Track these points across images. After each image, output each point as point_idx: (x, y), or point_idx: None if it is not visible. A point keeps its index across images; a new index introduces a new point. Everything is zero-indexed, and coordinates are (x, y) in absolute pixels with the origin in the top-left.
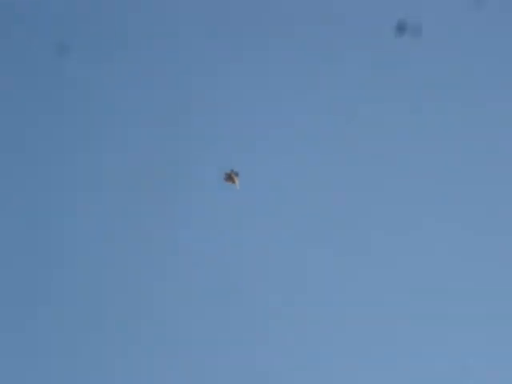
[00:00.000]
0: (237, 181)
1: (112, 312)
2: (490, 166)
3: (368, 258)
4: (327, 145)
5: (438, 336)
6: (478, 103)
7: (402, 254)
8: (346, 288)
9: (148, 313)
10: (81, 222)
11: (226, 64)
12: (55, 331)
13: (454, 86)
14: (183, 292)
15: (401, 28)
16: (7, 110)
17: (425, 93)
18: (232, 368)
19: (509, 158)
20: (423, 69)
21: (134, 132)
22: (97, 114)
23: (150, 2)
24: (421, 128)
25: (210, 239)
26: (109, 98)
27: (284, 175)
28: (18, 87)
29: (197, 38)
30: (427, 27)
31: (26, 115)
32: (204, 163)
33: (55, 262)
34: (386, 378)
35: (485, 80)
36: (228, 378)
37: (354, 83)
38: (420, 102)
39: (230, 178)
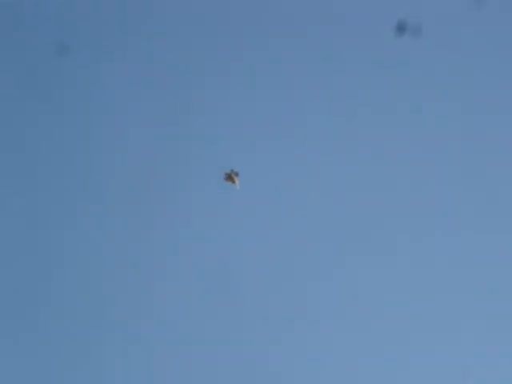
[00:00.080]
0: (237, 181)
1: (112, 311)
2: (489, 165)
3: (370, 258)
4: (327, 144)
5: (444, 347)
6: (478, 103)
7: (404, 254)
8: (348, 288)
9: (148, 312)
10: (80, 221)
11: (226, 64)
12: (55, 330)
13: (453, 85)
14: (183, 292)
15: (401, 28)
16: (7, 109)
17: (425, 93)
18: (232, 368)
19: (509, 157)
20: (423, 69)
21: (134, 132)
22: (97, 114)
23: (150, 2)
24: (421, 128)
25: (210, 238)
26: (109, 98)
27: (284, 175)
28: (17, 87)
29: (197, 37)
30: (427, 27)
31: (25, 115)
32: (203, 163)
33: (55, 261)
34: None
35: (485, 80)
36: (228, 378)
37: (353, 83)
38: (420, 102)
39: (230, 177)
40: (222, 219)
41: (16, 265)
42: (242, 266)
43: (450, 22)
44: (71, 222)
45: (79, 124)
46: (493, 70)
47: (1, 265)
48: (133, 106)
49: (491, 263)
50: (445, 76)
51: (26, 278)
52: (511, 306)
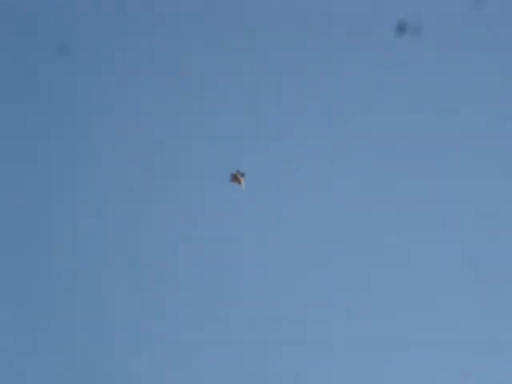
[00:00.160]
0: (243, 181)
1: (112, 311)
2: (489, 165)
3: (370, 259)
4: (327, 144)
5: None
6: (478, 103)
7: (404, 255)
8: (348, 288)
9: (148, 312)
10: (81, 221)
11: (226, 64)
12: (55, 329)
13: (453, 86)
14: (183, 291)
15: (401, 28)
16: (7, 109)
17: (425, 92)
18: (232, 368)
19: (510, 157)
20: (423, 69)
21: (134, 132)
22: (96, 114)
23: (150, 2)
24: (421, 128)
25: (210, 238)
26: (109, 97)
27: (284, 175)
28: (17, 87)
29: (197, 37)
30: (427, 27)
31: (25, 115)
32: (203, 162)
33: (54, 260)
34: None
35: (485, 80)
36: (228, 378)
37: (353, 83)
38: (420, 102)
39: (235, 178)
40: (222, 219)
41: (15, 264)
42: (242, 265)
43: (450, 22)
44: (71, 222)
45: (79, 123)
46: (493, 69)
47: (1, 264)
48: (133, 106)
49: (491, 263)
50: (445, 76)
51: (25, 277)
52: (511, 307)
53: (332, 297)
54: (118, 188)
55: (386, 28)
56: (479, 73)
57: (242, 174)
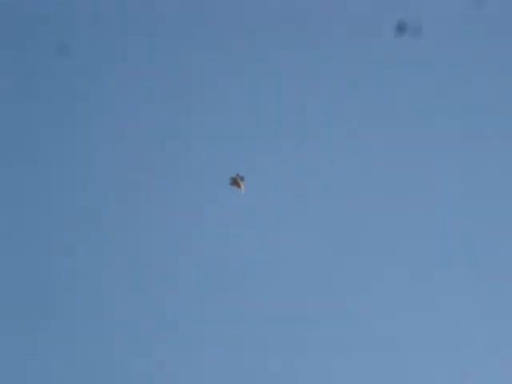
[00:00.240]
0: (242, 185)
1: (112, 311)
2: (489, 165)
3: (370, 259)
4: (327, 144)
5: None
6: (478, 103)
7: (405, 254)
8: (348, 288)
9: (148, 312)
10: (80, 220)
11: (226, 64)
12: (55, 329)
13: (454, 85)
14: (183, 291)
15: (401, 28)
16: (7, 109)
17: (425, 92)
18: (231, 368)
19: (510, 157)
20: (423, 69)
21: (134, 131)
22: (96, 114)
23: (150, 2)
24: (421, 128)
25: (210, 238)
26: (109, 97)
27: (284, 175)
28: (18, 87)
29: (197, 38)
30: (427, 27)
31: (25, 114)
32: (203, 162)
33: (53, 260)
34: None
35: (485, 80)
36: (228, 378)
37: (354, 83)
38: (420, 102)
39: (235, 182)
40: (222, 219)
41: (15, 264)
42: (243, 265)
43: (450, 21)
44: (71, 222)
45: (79, 123)
46: (493, 69)
47: (1, 263)
48: (132, 106)
49: (491, 263)
50: (445, 76)
51: (26, 277)
52: (510, 307)
53: (332, 297)
54: (117, 188)
55: (386, 28)
56: (479, 73)
57: (242, 178)
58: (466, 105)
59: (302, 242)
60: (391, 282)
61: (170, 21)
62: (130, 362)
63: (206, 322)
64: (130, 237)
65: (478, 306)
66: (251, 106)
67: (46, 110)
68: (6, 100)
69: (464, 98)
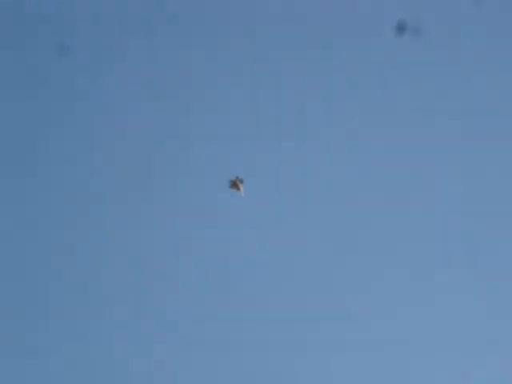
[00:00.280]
0: (242, 188)
1: (112, 311)
2: (489, 165)
3: (372, 259)
4: (327, 144)
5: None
6: (478, 103)
7: (405, 255)
8: (348, 288)
9: (147, 312)
10: (80, 220)
11: (226, 64)
12: (55, 329)
13: (453, 85)
14: (183, 292)
15: (401, 28)
16: (7, 109)
17: (425, 92)
18: (231, 368)
19: (509, 157)
20: (423, 69)
21: (134, 131)
22: (96, 114)
23: (150, 3)
24: (421, 128)
25: (210, 238)
26: (108, 97)
27: (284, 174)
28: (18, 87)
29: (197, 38)
30: (427, 27)
31: (25, 114)
32: (203, 162)
33: (53, 260)
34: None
35: (485, 80)
36: (228, 379)
37: (354, 83)
38: (420, 102)
39: (234, 185)
40: (222, 219)
41: (15, 264)
42: (243, 265)
43: (450, 21)
44: (71, 221)
45: (79, 123)
46: (493, 69)
47: (1, 263)
48: (132, 106)
49: (491, 263)
50: (445, 76)
51: (26, 277)
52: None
53: (332, 297)
54: (117, 188)
55: (386, 28)
56: (479, 73)
57: (241, 181)
58: (466, 105)
59: (301, 242)
60: (391, 281)
61: (170, 21)
62: (130, 361)
63: (206, 322)
64: (130, 237)
65: (477, 306)
66: (251, 106)
67: (46, 109)
68: (6, 100)
69: (464, 98)
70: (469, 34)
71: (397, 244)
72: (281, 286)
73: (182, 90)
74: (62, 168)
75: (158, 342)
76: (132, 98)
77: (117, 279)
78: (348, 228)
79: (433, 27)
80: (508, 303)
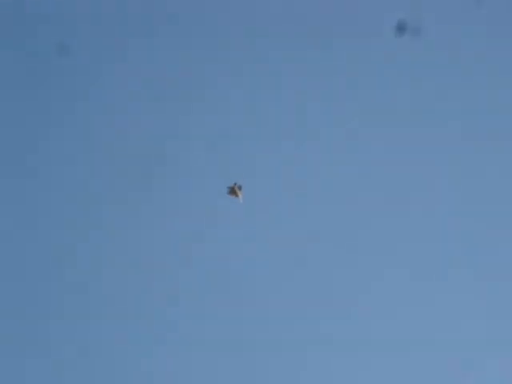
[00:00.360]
0: (240, 194)
1: (112, 311)
2: (489, 165)
3: (372, 259)
4: (327, 145)
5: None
6: (478, 103)
7: (405, 255)
8: (348, 288)
9: (147, 312)
10: (80, 220)
11: (226, 64)
12: (55, 329)
13: (454, 85)
14: (183, 291)
15: (401, 28)
16: (7, 108)
17: (425, 92)
18: (231, 369)
19: (509, 157)
20: (423, 69)
21: (134, 131)
22: (96, 114)
23: (150, 3)
24: (421, 128)
25: (209, 238)
26: (108, 97)
27: (284, 174)
28: (18, 87)
29: (197, 37)
30: (427, 27)
31: (25, 114)
32: (203, 162)
33: (54, 260)
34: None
35: (484, 79)
36: (228, 378)
37: (354, 83)
38: (420, 102)
39: (233, 191)
40: (222, 219)
41: (15, 264)
42: (243, 265)
43: (450, 21)
44: (71, 222)
45: (79, 123)
46: (493, 69)
47: (0, 263)
48: (132, 106)
49: (491, 263)
50: (445, 76)
51: (26, 277)
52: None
53: (332, 297)
54: (117, 188)
55: (386, 28)
56: (479, 73)
57: (240, 187)
58: (466, 105)
59: (301, 242)
60: (391, 282)
61: (170, 21)
62: (130, 361)
63: (206, 322)
64: (130, 237)
65: (477, 306)
66: (251, 106)
67: (46, 109)
68: (6, 100)
69: (464, 98)
70: (469, 33)
71: (397, 244)
72: (281, 286)
73: (182, 90)
74: (62, 168)
75: (158, 342)
76: (132, 98)
77: (117, 279)
78: (348, 228)
79: (433, 27)
80: (508, 303)
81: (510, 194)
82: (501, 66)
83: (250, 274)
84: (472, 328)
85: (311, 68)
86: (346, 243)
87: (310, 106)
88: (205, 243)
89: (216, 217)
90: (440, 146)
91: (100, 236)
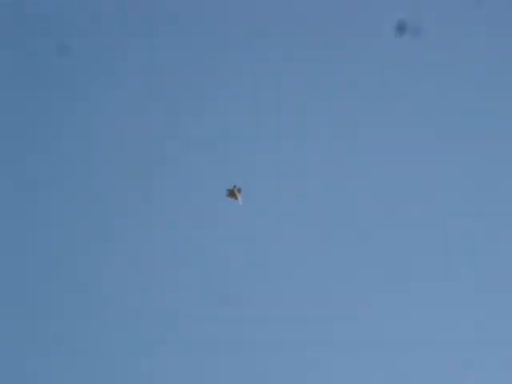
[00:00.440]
0: (239, 197)
1: (112, 311)
2: (489, 165)
3: (372, 259)
4: (327, 145)
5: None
6: (478, 103)
7: (405, 255)
8: (348, 289)
9: (147, 312)
10: (80, 220)
11: (226, 64)
12: (55, 329)
13: (453, 85)
14: (183, 291)
15: (401, 28)
16: (7, 108)
17: (425, 92)
18: (231, 370)
19: (509, 157)
20: (423, 69)
21: (134, 131)
22: (96, 114)
23: (150, 3)
24: (421, 128)
25: (209, 238)
26: (108, 97)
27: (283, 174)
28: (18, 87)
29: (197, 37)
30: (427, 27)
31: (25, 114)
32: (203, 162)
33: (54, 260)
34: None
35: (484, 79)
36: (228, 378)
37: (354, 83)
38: (420, 102)
39: (232, 194)
40: (221, 219)
41: (15, 264)
42: (243, 265)
43: (450, 21)
44: (71, 222)
45: (79, 123)
46: (493, 69)
47: (0, 263)
48: (132, 106)
49: (491, 263)
50: (445, 76)
51: (26, 277)
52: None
53: (332, 297)
54: (117, 188)
55: (386, 28)
56: (479, 73)
57: (239, 190)
58: (466, 105)
59: (301, 242)
60: (391, 282)
61: (170, 21)
62: (130, 361)
63: (206, 322)
64: (130, 237)
65: (477, 306)
66: (251, 106)
67: (46, 109)
68: (7, 99)
69: (464, 98)
70: (469, 33)
71: (397, 244)
72: (281, 286)
73: (182, 89)
74: (62, 168)
75: (158, 342)
76: (132, 98)
77: (117, 279)
78: (348, 228)
79: (433, 27)
80: (508, 304)
81: (510, 194)
82: (501, 66)
83: (250, 274)
84: (472, 328)
85: (311, 68)
86: (345, 243)
87: (309, 105)
88: (205, 243)
89: (216, 217)
90: (440, 146)
91: (100, 236)
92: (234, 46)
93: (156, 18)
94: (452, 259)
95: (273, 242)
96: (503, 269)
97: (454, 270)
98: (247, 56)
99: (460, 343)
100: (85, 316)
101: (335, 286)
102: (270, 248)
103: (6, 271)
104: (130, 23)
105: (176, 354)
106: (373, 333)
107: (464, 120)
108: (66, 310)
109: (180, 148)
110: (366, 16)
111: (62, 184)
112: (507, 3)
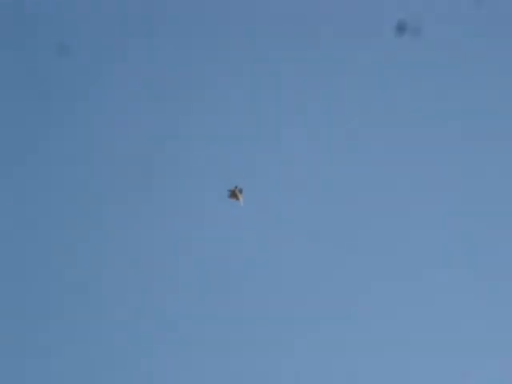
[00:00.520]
0: (241, 197)
1: (112, 311)
2: (489, 165)
3: (372, 260)
4: (327, 145)
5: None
6: (478, 103)
7: (405, 255)
8: (347, 289)
9: (147, 312)
10: (80, 220)
11: (226, 64)
12: (55, 329)
13: (454, 85)
14: (183, 292)
15: (401, 28)
16: (7, 108)
17: (425, 92)
18: (231, 369)
19: (509, 157)
20: (423, 69)
21: (134, 131)
22: (96, 114)
23: (150, 3)
24: (421, 128)
25: (209, 238)
26: (108, 97)
27: (283, 175)
28: (18, 87)
29: (197, 37)
30: (427, 27)
31: (25, 114)
32: (203, 162)
33: (54, 260)
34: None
35: (484, 79)
36: (228, 378)
37: (354, 83)
38: (420, 102)
39: (234, 194)
40: (221, 219)
41: (15, 264)
42: (242, 265)
43: (450, 21)
44: (71, 222)
45: (79, 123)
46: (493, 69)
47: (0, 263)
48: (132, 106)
49: (491, 263)
50: (444, 76)
51: (26, 277)
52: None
53: (332, 297)
54: (117, 188)
55: (386, 28)
56: (479, 73)
57: (240, 190)
58: (466, 105)
59: (301, 242)
60: (391, 282)
61: (170, 21)
62: (130, 361)
63: (206, 322)
64: (130, 237)
65: (477, 306)
66: (251, 106)
67: (46, 109)
68: (6, 100)
69: (464, 98)
70: (469, 33)
71: (397, 244)
72: (281, 285)
73: (182, 90)
74: (62, 168)
75: (158, 342)
76: (132, 98)
77: (117, 279)
78: (348, 228)
79: (433, 27)
80: (508, 303)
81: (510, 194)
82: (501, 66)
83: (250, 274)
84: (472, 328)
85: (311, 68)
86: (346, 243)
87: (309, 106)
88: (205, 243)
89: (216, 216)
90: (440, 146)
91: (100, 236)
92: (234, 46)
93: (156, 18)
94: (452, 259)
95: (273, 242)
96: (503, 269)
97: (453, 269)
98: (247, 56)
99: (460, 343)
100: (85, 316)
101: (335, 286)
102: (270, 248)
103: (5, 271)
104: (129, 23)
105: (176, 353)
106: (373, 333)
107: (464, 120)
108: (66, 310)
109: (180, 148)
110: (366, 16)
111: (62, 184)
112: (507, 3)
